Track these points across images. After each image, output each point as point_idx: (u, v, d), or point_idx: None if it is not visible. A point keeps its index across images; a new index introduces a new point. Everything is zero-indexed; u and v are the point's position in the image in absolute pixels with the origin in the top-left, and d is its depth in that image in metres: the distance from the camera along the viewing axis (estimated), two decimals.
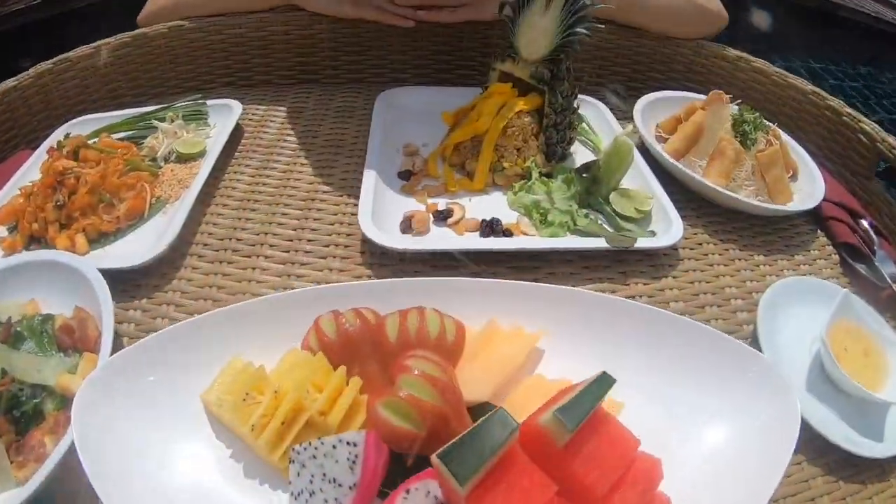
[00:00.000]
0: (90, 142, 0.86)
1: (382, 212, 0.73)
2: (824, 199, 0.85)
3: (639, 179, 0.82)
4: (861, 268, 0.79)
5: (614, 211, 0.76)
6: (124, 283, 0.67)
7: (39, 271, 0.66)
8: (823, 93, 1.00)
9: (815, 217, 0.86)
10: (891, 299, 0.74)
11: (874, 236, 0.83)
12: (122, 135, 0.91)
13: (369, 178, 0.76)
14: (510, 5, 0.78)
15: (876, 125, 0.93)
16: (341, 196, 0.80)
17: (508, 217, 0.75)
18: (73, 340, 0.60)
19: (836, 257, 0.81)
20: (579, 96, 0.90)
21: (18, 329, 0.60)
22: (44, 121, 0.99)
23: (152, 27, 1.04)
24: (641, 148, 0.89)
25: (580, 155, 0.89)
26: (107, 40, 1.02)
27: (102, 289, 0.61)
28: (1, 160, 0.94)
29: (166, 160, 0.86)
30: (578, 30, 0.76)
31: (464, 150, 0.82)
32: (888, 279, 0.76)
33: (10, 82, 0.95)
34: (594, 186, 0.78)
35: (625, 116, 0.98)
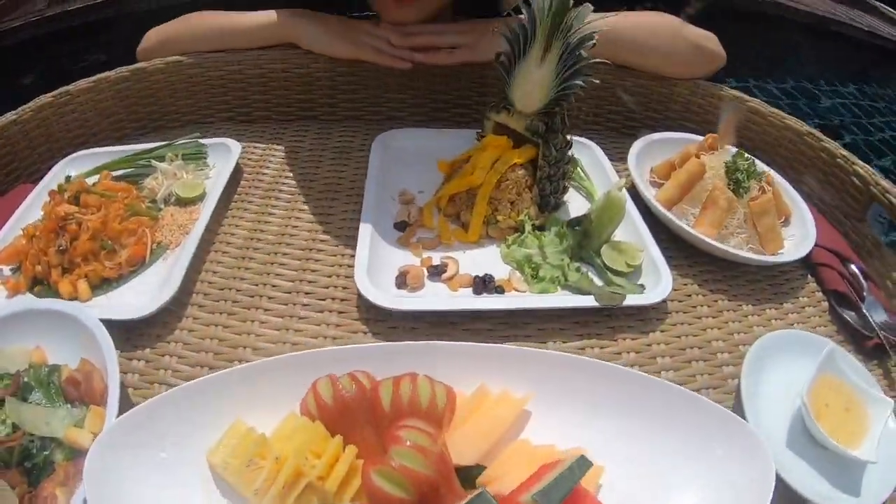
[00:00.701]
0: (90, 180, 0.90)
1: (378, 265, 0.77)
2: (815, 245, 0.88)
3: (630, 230, 0.86)
4: (849, 315, 0.82)
5: (605, 265, 0.80)
6: (128, 331, 0.72)
7: (45, 319, 0.70)
8: (819, 133, 1.04)
9: (805, 262, 0.89)
10: (877, 348, 0.78)
11: (863, 281, 0.87)
12: (121, 172, 0.95)
13: (365, 232, 0.80)
14: (506, 55, 0.81)
15: (869, 167, 0.97)
16: (338, 246, 0.84)
17: (501, 271, 0.79)
18: (79, 393, 0.64)
19: (825, 304, 0.85)
20: (575, 138, 0.94)
21: (26, 379, 0.64)
22: (45, 154, 1.04)
23: (151, 62, 1.08)
24: (634, 193, 0.92)
25: (573, 202, 0.94)
26: (107, 74, 1.07)
27: (108, 345, 0.64)
28: (2, 193, 0.99)
29: (166, 202, 0.90)
30: (574, 82, 0.79)
31: (459, 201, 0.86)
32: (876, 327, 0.79)
33: (11, 115, 0.99)
34: (586, 240, 0.82)
35: (620, 157, 1.03)
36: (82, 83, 1.05)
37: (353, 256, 0.78)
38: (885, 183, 0.94)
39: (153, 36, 1.14)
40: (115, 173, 0.94)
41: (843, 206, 1.01)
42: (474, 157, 0.86)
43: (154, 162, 0.94)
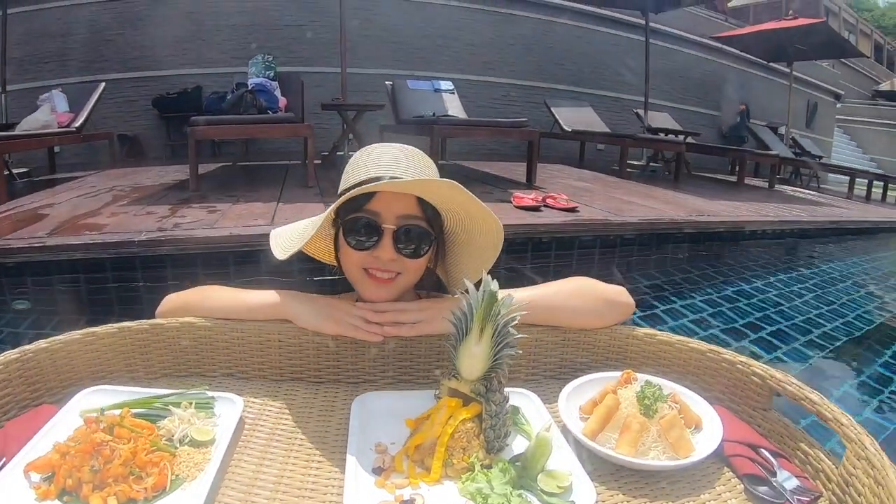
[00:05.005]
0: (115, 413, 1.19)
1: (360, 502, 1.05)
2: (726, 440, 1.15)
3: (562, 458, 1.16)
4: (763, 490, 1.05)
5: (542, 490, 1.09)
6: None
7: None
8: (719, 349, 1.42)
9: (720, 458, 1.16)
10: None
11: (773, 459, 1.12)
12: (139, 411, 1.24)
13: (350, 476, 1.09)
14: (453, 336, 1.21)
15: (765, 366, 1.32)
16: (328, 486, 1.13)
17: (460, 502, 1.08)
18: None
19: (740, 487, 1.10)
20: (516, 389, 1.32)
21: None
22: (66, 380, 1.34)
23: (168, 319, 1.44)
24: (566, 429, 1.24)
25: (517, 442, 1.25)
26: (130, 323, 1.42)
27: None
28: (24, 409, 1.27)
29: (181, 442, 1.18)
30: (505, 352, 1.18)
31: (422, 449, 1.18)
32: (787, 494, 1.04)
33: (43, 343, 1.31)
34: (524, 472, 1.12)
35: (556, 399, 1.35)
36: (108, 327, 1.40)
37: (340, 494, 1.08)
38: (780, 375, 1.28)
39: (172, 300, 1.53)
40: (133, 411, 1.24)
41: (751, 402, 1.35)
42: (433, 415, 1.21)
43: (171, 407, 1.25)
